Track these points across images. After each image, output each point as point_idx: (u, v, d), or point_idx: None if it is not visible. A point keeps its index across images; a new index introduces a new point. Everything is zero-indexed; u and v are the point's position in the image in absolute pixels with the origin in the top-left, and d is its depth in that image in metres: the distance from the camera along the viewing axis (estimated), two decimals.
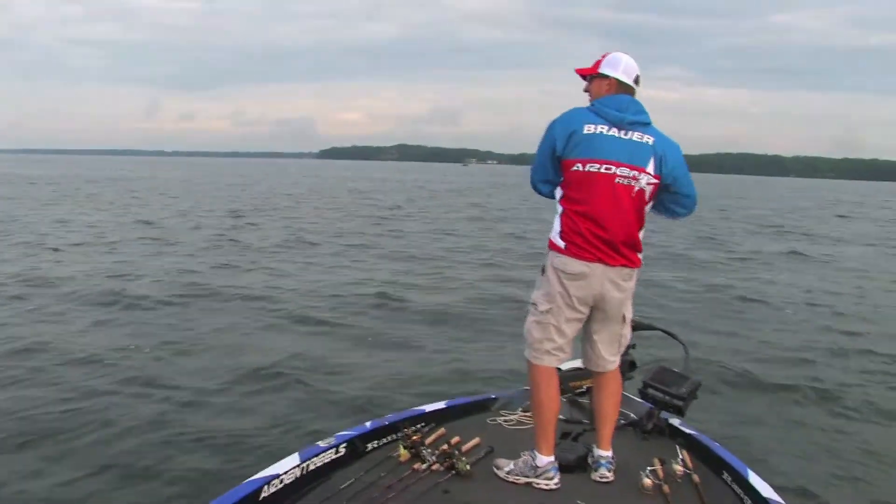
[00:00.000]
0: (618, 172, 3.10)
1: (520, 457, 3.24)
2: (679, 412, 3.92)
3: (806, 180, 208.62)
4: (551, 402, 3.23)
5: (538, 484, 3.15)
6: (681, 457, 3.42)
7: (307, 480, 3.10)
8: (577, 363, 3.85)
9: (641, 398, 4.05)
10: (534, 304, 3.25)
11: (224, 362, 7.15)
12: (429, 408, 3.92)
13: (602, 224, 3.10)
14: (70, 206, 27.40)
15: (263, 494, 2.88)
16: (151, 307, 9.62)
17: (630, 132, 3.12)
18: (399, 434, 3.51)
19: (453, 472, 3.19)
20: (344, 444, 3.35)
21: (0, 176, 57.02)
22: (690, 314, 10.20)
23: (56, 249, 14.97)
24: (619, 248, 3.13)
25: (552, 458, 3.19)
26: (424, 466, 3.23)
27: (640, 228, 3.21)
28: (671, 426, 3.86)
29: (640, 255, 3.23)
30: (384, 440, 3.57)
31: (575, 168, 3.12)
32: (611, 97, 3.18)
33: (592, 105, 3.20)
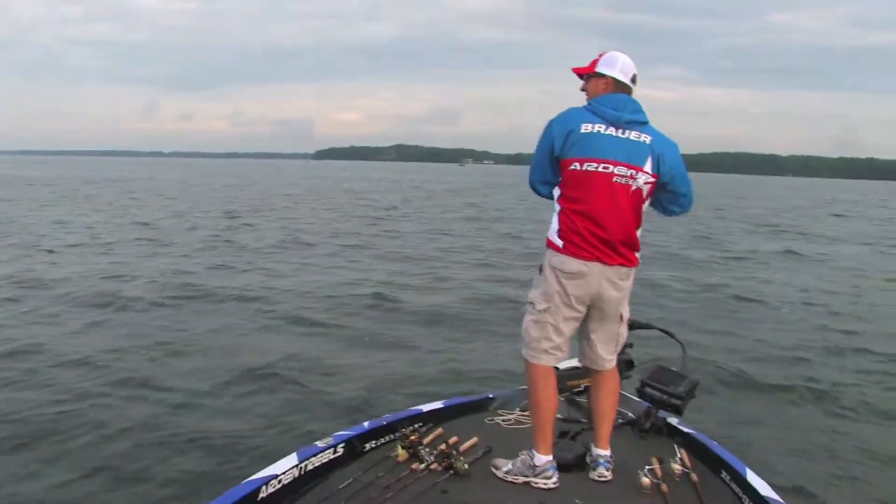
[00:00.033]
0: (615, 171, 3.09)
1: (518, 456, 3.24)
2: (677, 411, 3.92)
3: (802, 179, 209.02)
4: (549, 401, 3.23)
5: (536, 483, 3.15)
6: (679, 456, 3.41)
7: (305, 480, 3.10)
8: (575, 362, 3.85)
9: (639, 397, 4.05)
10: (531, 303, 3.25)
11: (219, 363, 7.13)
12: (426, 408, 3.91)
13: (600, 223, 3.10)
14: (67, 207, 27.36)
15: (262, 495, 2.87)
16: (146, 308, 9.61)
17: (627, 131, 3.12)
18: (397, 434, 3.51)
19: (451, 471, 3.19)
20: (342, 444, 3.35)
21: None
22: (687, 314, 10.20)
23: (51, 251, 14.94)
24: (617, 247, 3.13)
25: (550, 458, 3.19)
26: (422, 466, 3.22)
27: (637, 227, 3.21)
28: (669, 425, 3.86)
29: (637, 255, 3.23)
30: (382, 440, 3.56)
31: (573, 167, 3.12)
32: (608, 96, 3.18)
33: (589, 104, 3.20)
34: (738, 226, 27.58)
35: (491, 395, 4.30)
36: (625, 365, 3.96)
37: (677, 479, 3.22)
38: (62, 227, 19.66)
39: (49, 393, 6.13)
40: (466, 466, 3.21)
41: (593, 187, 3.10)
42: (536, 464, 3.17)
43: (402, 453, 3.33)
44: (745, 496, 3.11)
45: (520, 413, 4.02)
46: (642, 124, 3.16)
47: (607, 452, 3.32)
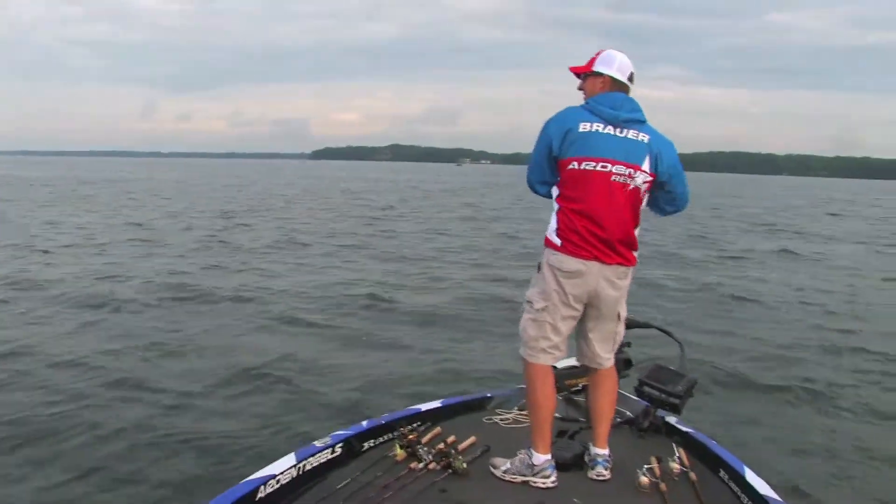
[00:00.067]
0: (613, 170, 3.09)
1: (516, 455, 3.23)
2: (675, 410, 3.92)
3: (799, 178, 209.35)
4: (547, 400, 3.22)
5: (535, 482, 3.15)
6: (677, 455, 3.41)
7: (304, 480, 3.09)
8: (573, 361, 3.84)
9: (637, 396, 4.05)
10: (529, 301, 3.24)
11: (214, 364, 7.12)
12: (425, 407, 3.91)
13: (598, 222, 3.09)
14: (63, 207, 27.29)
15: (260, 495, 2.86)
16: (141, 309, 9.59)
17: (626, 130, 3.12)
18: (395, 433, 3.50)
19: (450, 471, 3.18)
20: (340, 444, 3.34)
21: None
22: (684, 313, 10.21)
23: (46, 251, 14.90)
24: (616, 246, 3.13)
25: (549, 457, 3.19)
26: (421, 466, 3.21)
27: (635, 226, 3.20)
28: (668, 424, 3.86)
29: (635, 254, 3.23)
30: (380, 439, 3.56)
31: (571, 167, 3.11)
32: (605, 95, 3.17)
33: (587, 103, 3.19)
34: (735, 225, 27.64)
35: (489, 395, 4.30)
36: (623, 364, 3.97)
37: (676, 478, 3.22)
38: (57, 228, 19.62)
39: (43, 394, 6.11)
40: (465, 466, 3.20)
41: (592, 186, 3.10)
42: (535, 463, 3.16)
43: (400, 453, 3.32)
44: (743, 495, 3.11)
45: (518, 412, 4.02)
46: (640, 123, 3.16)
47: (606, 451, 3.31)
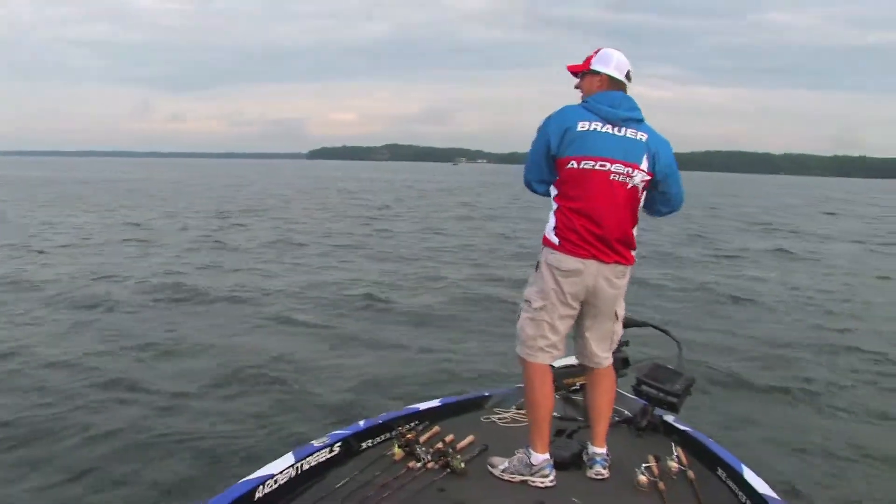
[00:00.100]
0: (612, 169, 3.08)
1: (514, 455, 3.23)
2: (673, 409, 3.92)
3: (796, 178, 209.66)
4: (545, 399, 3.22)
5: (533, 482, 3.15)
6: (675, 453, 3.41)
7: (302, 480, 3.08)
8: (571, 360, 3.84)
9: (635, 395, 4.05)
10: (527, 301, 3.24)
11: (209, 364, 7.11)
12: (423, 406, 3.90)
13: (597, 221, 3.09)
14: (61, 208, 27.24)
15: (258, 495, 2.86)
16: (136, 309, 9.59)
17: (624, 129, 3.12)
18: (393, 433, 3.49)
19: (448, 470, 3.18)
20: (338, 444, 3.34)
21: None
22: (681, 313, 10.22)
23: (42, 252, 14.89)
24: (614, 244, 3.13)
25: (547, 456, 3.19)
26: (419, 465, 3.21)
27: (633, 225, 3.20)
28: (665, 423, 3.86)
29: (633, 253, 3.23)
30: (378, 439, 3.55)
31: (570, 166, 3.11)
32: (603, 94, 3.17)
33: (585, 102, 3.19)
34: (732, 224, 27.67)
35: (487, 394, 4.30)
36: (620, 363, 3.97)
37: (674, 477, 3.22)
38: (55, 228, 19.63)
39: (37, 395, 6.10)
40: (463, 465, 3.20)
41: (590, 185, 3.09)
42: (533, 462, 3.16)
43: (398, 452, 3.32)
44: (741, 493, 3.11)
45: (516, 411, 4.02)
46: (638, 122, 3.15)
47: (604, 450, 3.31)
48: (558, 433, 3.58)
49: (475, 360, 7.53)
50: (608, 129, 3.10)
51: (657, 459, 3.29)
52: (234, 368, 6.93)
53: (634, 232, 3.21)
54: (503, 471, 3.21)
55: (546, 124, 3.17)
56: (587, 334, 3.31)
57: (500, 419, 3.96)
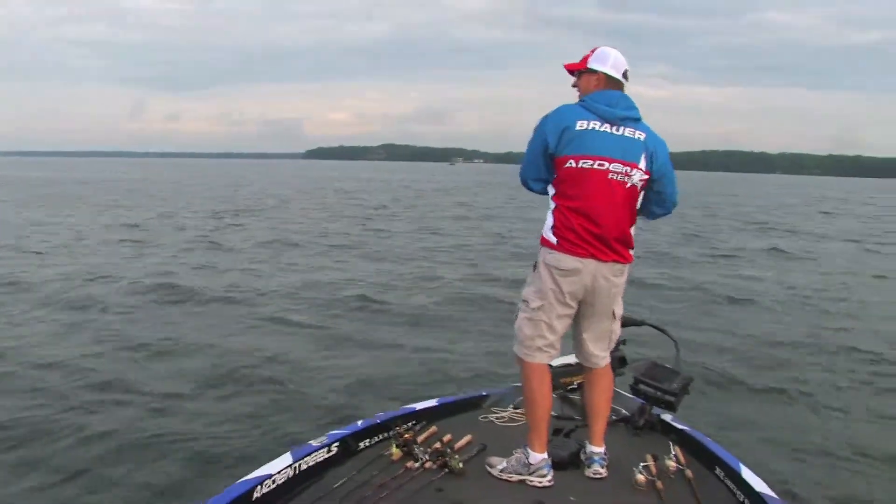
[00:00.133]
0: (611, 168, 3.08)
1: (512, 454, 3.23)
2: (671, 408, 3.93)
3: (792, 177, 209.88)
4: (544, 399, 3.22)
5: (531, 481, 3.14)
6: (673, 452, 3.40)
7: (300, 480, 3.08)
8: (568, 359, 3.84)
9: (633, 394, 4.05)
10: (525, 300, 3.24)
11: (204, 364, 7.09)
12: (420, 406, 3.90)
13: (595, 220, 3.09)
14: (58, 208, 27.14)
15: (256, 495, 2.85)
16: (131, 310, 9.57)
17: (622, 128, 3.11)
18: (391, 432, 3.49)
19: (446, 470, 3.18)
20: (336, 444, 3.33)
21: None
22: (677, 312, 10.22)
23: (38, 252, 14.86)
24: (612, 243, 3.12)
25: (545, 455, 3.18)
26: (417, 465, 3.21)
27: (632, 224, 3.20)
28: (663, 422, 3.86)
29: (631, 251, 3.22)
30: (376, 439, 3.55)
31: (568, 165, 3.10)
32: (601, 93, 3.17)
33: (583, 101, 3.18)
34: (728, 224, 27.69)
35: (484, 393, 4.29)
36: (617, 362, 3.97)
37: (672, 476, 3.22)
38: (51, 228, 19.56)
39: (31, 396, 6.08)
40: (461, 465, 3.19)
41: (589, 184, 3.09)
42: (531, 462, 3.16)
43: (396, 452, 3.32)
44: (740, 492, 3.10)
45: (513, 411, 4.02)
46: (636, 121, 3.15)
47: (602, 449, 3.31)
48: (556, 432, 3.58)
49: (471, 359, 7.52)
50: (606, 128, 3.09)
51: (655, 458, 3.28)
52: (229, 369, 6.92)
53: (632, 231, 3.22)
54: (501, 470, 3.21)
55: (543, 123, 3.16)
56: (585, 333, 3.31)
57: (497, 419, 3.96)
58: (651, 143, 3.15)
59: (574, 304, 3.19)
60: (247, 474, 2.96)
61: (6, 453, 4.98)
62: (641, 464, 3.22)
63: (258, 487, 2.87)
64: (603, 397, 3.40)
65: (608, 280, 3.15)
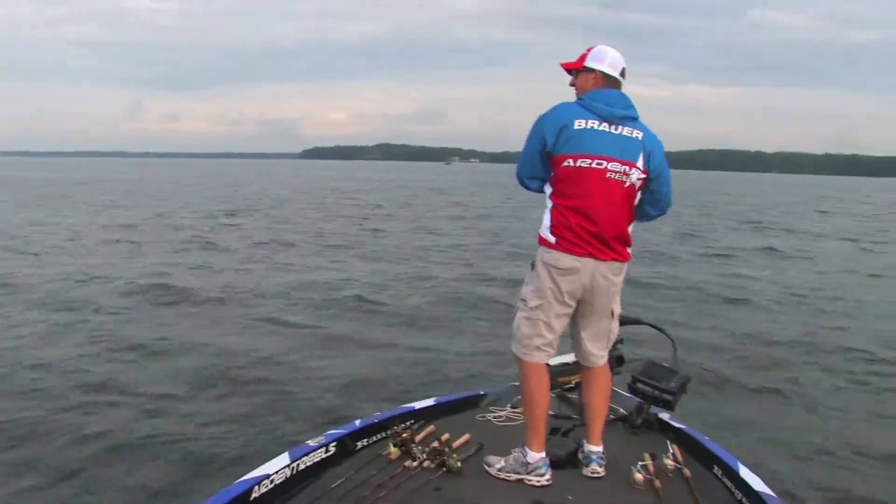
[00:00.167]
0: (609, 167, 3.08)
1: (510, 453, 3.23)
2: (668, 406, 3.93)
3: (788, 176, 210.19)
4: (542, 398, 3.22)
5: (530, 480, 3.14)
6: (671, 451, 3.40)
7: (298, 480, 3.07)
8: (565, 358, 3.84)
9: (630, 393, 4.05)
10: (523, 300, 3.23)
11: (199, 365, 7.07)
12: (418, 405, 3.89)
13: (593, 219, 3.08)
14: (54, 209, 27.08)
15: (254, 495, 2.85)
16: (125, 311, 9.54)
17: (620, 127, 3.11)
18: (389, 432, 3.49)
19: (444, 469, 3.18)
20: (334, 443, 3.33)
21: None
22: (674, 312, 10.22)
23: (34, 253, 14.83)
24: (610, 242, 3.12)
25: (543, 455, 3.18)
26: (415, 464, 3.21)
27: (629, 223, 3.21)
28: (661, 421, 3.86)
29: (629, 250, 3.22)
30: (374, 438, 3.55)
31: (566, 164, 3.09)
32: (599, 91, 3.16)
33: (581, 99, 3.18)
34: (724, 223, 27.71)
35: (482, 392, 4.29)
36: (615, 361, 3.96)
37: (670, 475, 3.22)
38: (48, 229, 19.53)
39: (25, 397, 6.06)
40: (459, 464, 3.19)
41: (588, 183, 3.08)
42: (529, 461, 3.16)
43: (394, 451, 3.31)
44: (738, 491, 3.10)
45: (511, 410, 4.02)
46: (634, 120, 3.15)
47: (600, 449, 3.31)
48: (553, 431, 3.58)
49: (468, 359, 7.51)
50: (605, 127, 3.09)
51: (653, 457, 3.28)
52: (224, 369, 6.91)
53: (630, 229, 3.22)
54: (499, 470, 3.20)
55: (541, 121, 3.16)
56: (583, 332, 3.31)
57: (495, 418, 3.96)
58: (648, 143, 3.15)
59: (573, 304, 3.19)
60: (243, 475, 2.95)
61: (1, 454, 4.96)
62: (639, 463, 3.22)
63: (256, 487, 2.87)
64: (601, 396, 3.41)
65: (607, 279, 3.15)
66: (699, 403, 6.04)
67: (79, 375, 6.66)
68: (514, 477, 3.17)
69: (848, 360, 7.95)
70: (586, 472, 3.26)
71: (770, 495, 2.97)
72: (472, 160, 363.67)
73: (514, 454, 3.21)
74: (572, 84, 3.30)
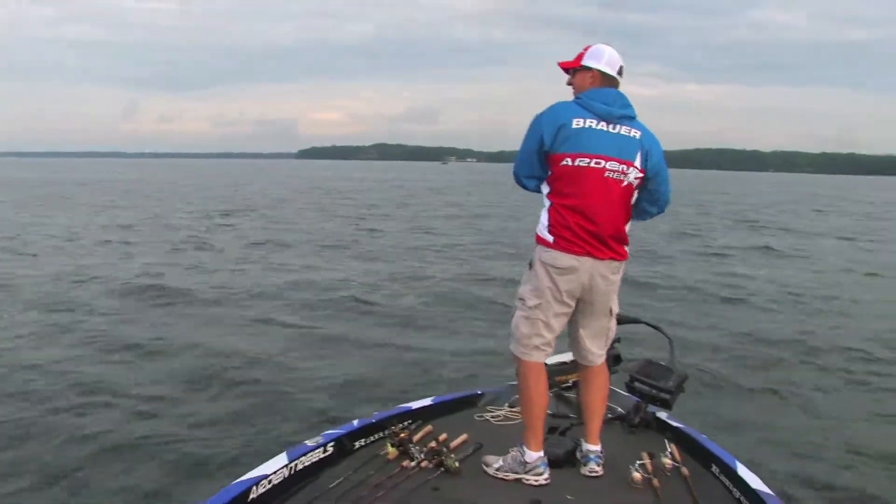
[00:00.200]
0: (607, 167, 3.08)
1: (508, 453, 3.22)
2: (666, 405, 3.92)
3: (785, 175, 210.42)
4: (540, 397, 3.22)
5: (528, 480, 3.14)
6: (669, 450, 3.40)
7: (295, 480, 3.07)
8: (563, 357, 3.84)
9: (628, 392, 4.05)
10: (521, 299, 3.23)
11: (193, 366, 7.06)
12: (415, 405, 3.89)
13: (591, 218, 3.08)
14: (51, 209, 27.05)
15: (252, 495, 2.84)
16: (120, 311, 9.54)
17: (618, 126, 3.11)
18: (386, 432, 3.49)
19: (442, 469, 3.17)
20: (331, 443, 3.32)
21: None
22: (670, 311, 10.23)
23: (29, 254, 14.82)
24: (608, 241, 3.12)
25: (541, 454, 3.18)
26: (413, 464, 3.20)
27: (626, 222, 3.21)
28: (658, 420, 3.86)
29: (626, 248, 3.22)
30: (372, 438, 3.54)
31: (564, 163, 3.09)
32: (597, 90, 3.16)
33: (579, 98, 3.17)
34: (721, 222, 27.73)
35: (479, 392, 4.29)
36: (613, 360, 3.96)
37: (668, 474, 3.22)
38: (46, 230, 19.50)
39: (17, 398, 6.05)
40: (457, 464, 3.19)
41: (586, 182, 3.08)
42: (527, 460, 3.15)
43: (392, 451, 3.31)
44: (735, 489, 3.10)
45: (508, 409, 4.02)
46: (631, 119, 3.15)
47: (598, 448, 3.31)
48: (551, 430, 3.57)
49: (465, 358, 7.51)
50: (603, 126, 3.09)
51: (651, 456, 3.28)
52: (220, 369, 6.90)
53: (627, 227, 3.21)
54: (497, 469, 3.20)
55: (539, 120, 3.15)
56: (583, 331, 3.30)
57: (493, 417, 3.96)
58: (646, 142, 3.15)
59: (572, 303, 3.18)
60: (239, 476, 2.95)
61: None
62: (637, 462, 3.22)
63: (254, 488, 2.86)
64: (598, 395, 3.40)
65: (605, 278, 3.15)
66: (697, 402, 6.03)
67: (74, 376, 6.64)
68: (512, 476, 3.16)
69: (845, 359, 7.96)
70: (584, 471, 3.26)
71: (768, 494, 2.97)
72: (469, 160, 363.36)
73: (513, 453, 3.20)
74: (570, 83, 3.30)
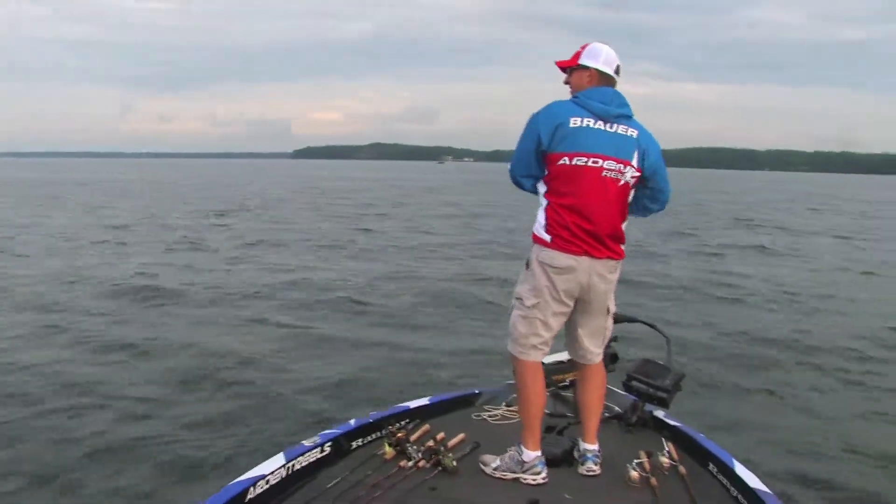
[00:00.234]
0: (605, 166, 3.07)
1: (506, 452, 3.22)
2: (663, 404, 3.92)
3: (779, 173, 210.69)
4: (538, 396, 3.22)
5: (525, 479, 3.13)
6: (666, 449, 3.40)
7: (293, 480, 3.06)
8: (560, 356, 3.84)
9: (625, 391, 4.04)
10: (519, 298, 3.22)
11: (187, 366, 7.05)
12: (412, 404, 3.88)
13: (589, 217, 3.08)
14: (53, 209, 27.00)
15: (250, 496, 2.83)
16: (113, 311, 9.52)
17: (616, 125, 3.10)
18: (384, 431, 3.49)
19: (440, 468, 3.16)
20: (329, 443, 3.31)
21: None
22: (666, 310, 10.22)
23: (22, 255, 14.78)
24: (605, 240, 3.12)
25: (539, 453, 3.17)
26: (410, 464, 3.19)
27: (623, 221, 3.20)
28: (656, 418, 3.86)
29: (623, 247, 3.22)
30: (369, 438, 3.53)
31: (561, 162, 3.08)
32: (594, 90, 3.15)
33: (576, 97, 3.17)
34: (717, 220, 27.74)
35: (477, 391, 4.29)
36: (609, 358, 3.96)
37: (666, 473, 3.22)
38: (43, 230, 19.48)
39: (8, 400, 6.02)
40: (455, 463, 3.18)
41: (583, 182, 3.08)
42: (525, 459, 3.15)
43: (389, 451, 3.30)
44: (733, 488, 3.10)
45: (506, 408, 4.02)
46: (628, 118, 3.15)
47: (595, 447, 3.31)
48: (549, 430, 3.57)
49: (463, 358, 7.51)
50: (600, 125, 3.08)
51: (648, 455, 3.28)
52: (215, 370, 6.90)
53: (623, 226, 3.21)
54: (495, 468, 3.20)
55: (536, 119, 3.14)
56: (580, 330, 3.30)
57: (490, 417, 3.95)
58: (643, 141, 3.15)
59: (570, 303, 3.18)
60: (235, 476, 2.94)
61: None
62: (635, 460, 3.22)
63: (252, 488, 2.85)
64: (596, 394, 3.40)
65: (603, 277, 3.15)
66: (694, 401, 6.04)
67: (68, 376, 6.62)
68: (509, 476, 3.15)
69: (841, 358, 7.98)
70: (582, 470, 3.25)
71: (765, 492, 2.97)
72: (466, 159, 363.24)
73: (510, 453, 3.20)
74: (567, 82, 3.29)
